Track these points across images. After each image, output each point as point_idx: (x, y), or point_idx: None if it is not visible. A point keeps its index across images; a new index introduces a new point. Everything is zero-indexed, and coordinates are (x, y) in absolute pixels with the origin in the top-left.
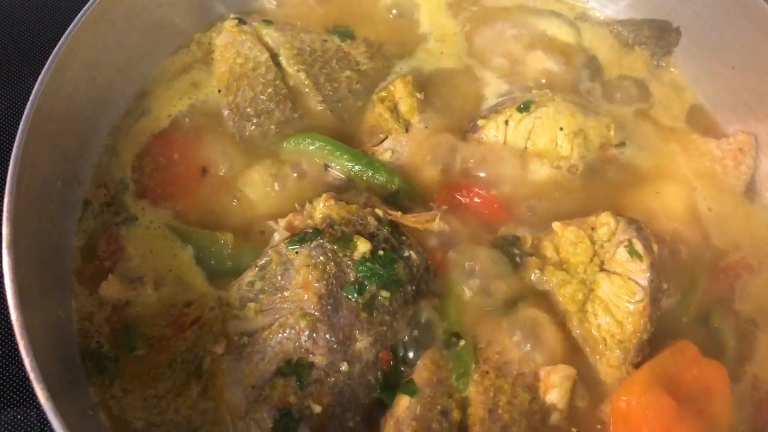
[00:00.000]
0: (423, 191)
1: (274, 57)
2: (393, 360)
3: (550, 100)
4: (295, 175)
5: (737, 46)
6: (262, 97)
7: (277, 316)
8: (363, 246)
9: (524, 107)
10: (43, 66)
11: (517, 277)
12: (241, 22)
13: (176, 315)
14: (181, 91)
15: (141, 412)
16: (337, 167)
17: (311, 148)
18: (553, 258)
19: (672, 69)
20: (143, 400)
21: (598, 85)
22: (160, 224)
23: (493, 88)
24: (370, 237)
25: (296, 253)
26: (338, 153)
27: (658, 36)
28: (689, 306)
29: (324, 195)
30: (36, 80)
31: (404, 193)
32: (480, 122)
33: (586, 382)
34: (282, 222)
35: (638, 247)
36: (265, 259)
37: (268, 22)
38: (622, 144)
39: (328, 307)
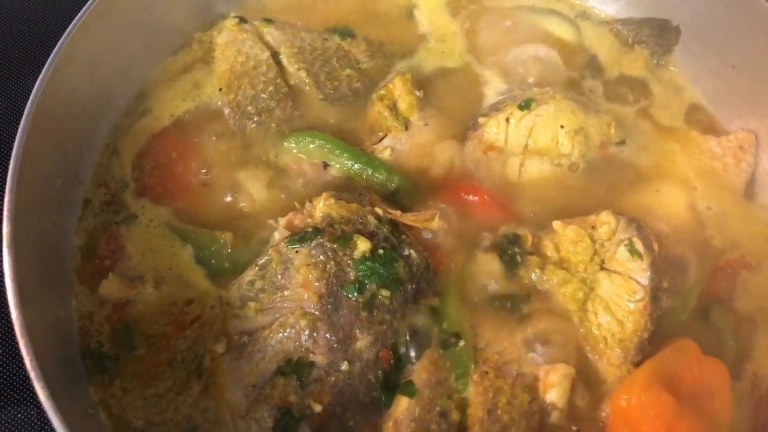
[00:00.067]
0: (423, 189)
1: (274, 55)
2: (393, 359)
3: (551, 98)
4: (295, 173)
5: (737, 45)
6: (262, 95)
7: (277, 315)
8: (363, 245)
9: (525, 105)
10: (44, 65)
11: (517, 277)
12: (242, 20)
13: (176, 314)
14: (182, 90)
15: (141, 411)
16: (337, 165)
17: (311, 146)
18: (554, 257)
19: (672, 68)
20: (143, 399)
21: (598, 84)
22: (160, 223)
23: (494, 86)
24: (370, 236)
25: (296, 252)
26: (338, 151)
27: (658, 35)
28: (689, 304)
29: (324, 194)
30: (36, 79)
31: (404, 192)
32: (481, 120)
33: (587, 381)
34: (282, 221)
35: (639, 246)
36: (265, 258)
37: (268, 21)
38: (622, 142)
39: (329, 306)
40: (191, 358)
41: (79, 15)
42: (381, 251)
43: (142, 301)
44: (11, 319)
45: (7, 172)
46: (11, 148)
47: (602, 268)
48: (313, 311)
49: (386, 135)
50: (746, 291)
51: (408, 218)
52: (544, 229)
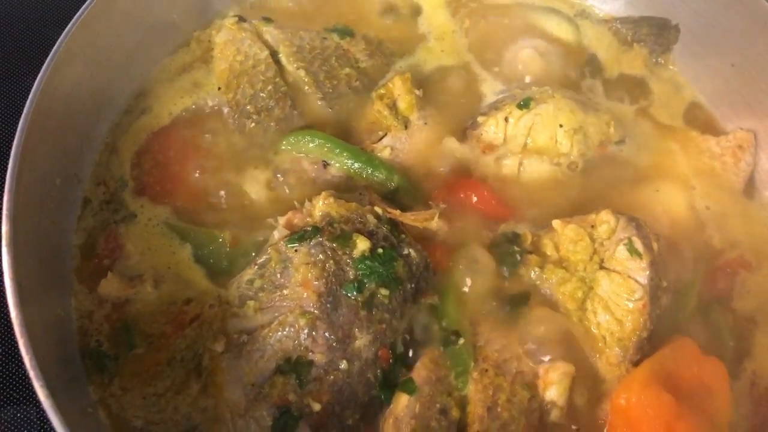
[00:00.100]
0: (422, 189)
1: (273, 54)
2: (392, 358)
3: (549, 97)
4: (294, 172)
5: (736, 44)
6: (261, 94)
7: (276, 314)
8: (362, 244)
9: (524, 104)
10: (43, 64)
11: (516, 276)
12: (241, 19)
13: (176, 313)
14: (181, 89)
15: (140, 410)
16: (337, 164)
17: (311, 145)
18: (553, 256)
19: (671, 66)
20: (143, 398)
21: (597, 83)
22: (159, 222)
23: (493, 85)
24: (370, 235)
25: (295, 251)
26: (338, 150)
27: (657, 33)
28: (688, 303)
29: (323, 193)
30: (35, 78)
31: (403, 191)
32: (480, 119)
33: (586, 380)
34: (281, 220)
35: (638, 245)
36: (264, 257)
37: (267, 20)
38: (621, 141)
39: (328, 305)
40: (190, 357)
41: (78, 14)
42: (380, 250)
43: (141, 300)
44: (11, 319)
45: (6, 170)
46: (10, 147)
47: (601, 267)
48: (312, 310)
49: (386, 134)
50: (745, 290)
51: (407, 217)
52: (543, 228)
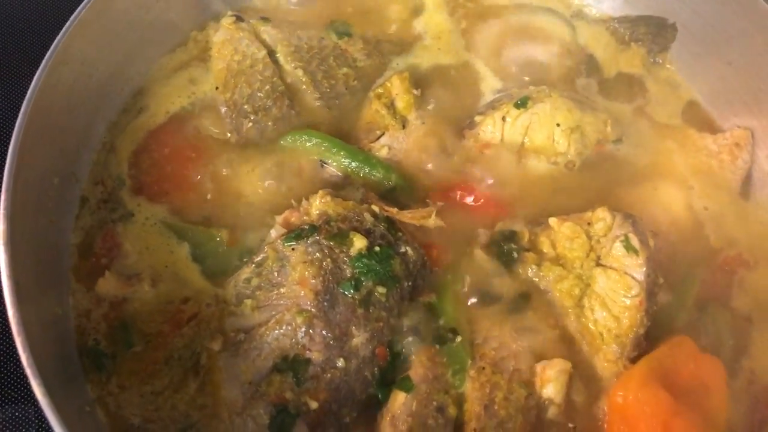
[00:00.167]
0: (419, 187)
1: (271, 54)
2: (389, 356)
3: (547, 96)
4: (291, 171)
5: (733, 42)
6: (259, 94)
7: (273, 313)
8: (359, 242)
9: (521, 103)
10: (41, 63)
11: (514, 273)
12: (239, 19)
13: (173, 311)
14: (179, 88)
15: (138, 408)
16: (334, 164)
17: (308, 144)
18: (550, 253)
19: (668, 65)
20: (140, 396)
21: (595, 82)
22: (156, 221)
23: (490, 85)
24: (367, 233)
25: (292, 249)
26: (335, 149)
27: (655, 33)
28: (686, 301)
29: (320, 191)
30: (33, 77)
31: (401, 190)
32: (477, 118)
33: (583, 378)
34: (278, 218)
35: (634, 241)
36: (261, 255)
37: (265, 20)
38: (618, 140)
39: (325, 304)
40: (188, 355)
41: (75, 13)
42: (377, 248)
43: (138, 299)
44: (8, 317)
45: (3, 169)
46: (8, 146)
47: (598, 264)
48: (309, 308)
49: (383, 133)
50: (743, 288)
51: (404, 216)
52: (540, 226)
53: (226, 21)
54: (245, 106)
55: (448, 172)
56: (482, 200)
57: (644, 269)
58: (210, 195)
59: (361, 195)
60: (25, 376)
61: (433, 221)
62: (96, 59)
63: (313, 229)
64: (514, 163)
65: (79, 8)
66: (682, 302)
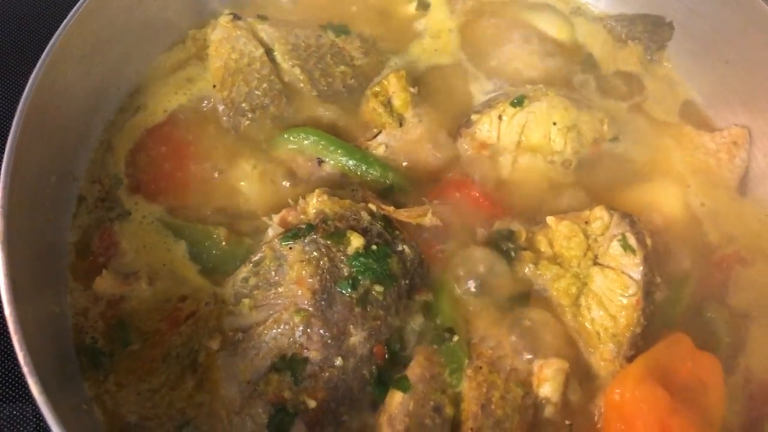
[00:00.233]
0: (416, 186)
1: (269, 52)
2: (387, 354)
3: (543, 95)
4: (289, 170)
5: (730, 40)
6: (257, 92)
7: (271, 312)
8: (356, 241)
9: (518, 102)
10: (38, 61)
11: (511, 272)
12: (236, 17)
13: (171, 310)
14: (177, 86)
15: (135, 406)
16: (331, 162)
17: (305, 142)
18: (547, 252)
19: (665, 63)
20: (137, 393)
21: (592, 80)
22: (154, 219)
23: (487, 83)
24: (364, 232)
25: (290, 248)
26: (332, 148)
27: (652, 31)
28: (683, 299)
29: (317, 190)
30: (30, 76)
31: (398, 188)
32: (473, 117)
33: (580, 376)
34: (275, 217)
35: (631, 240)
36: (259, 254)
37: (262, 18)
38: (615, 139)
39: (322, 303)
40: (186, 353)
41: (73, 11)
42: (374, 247)
43: (136, 298)
44: (4, 316)
45: (0, 168)
46: (5, 144)
47: (595, 263)
48: (306, 307)
49: (380, 131)
50: (740, 286)
51: (401, 214)
52: (537, 225)
53: (224, 19)
54: (243, 104)
55: (445, 171)
56: (479, 199)
57: (641, 268)
58: (207, 193)
59: (358, 194)
60: (22, 375)
61: (429, 220)
62: (93, 58)
63: (310, 228)
64: (511, 162)
65: (76, 6)
66: (678, 300)
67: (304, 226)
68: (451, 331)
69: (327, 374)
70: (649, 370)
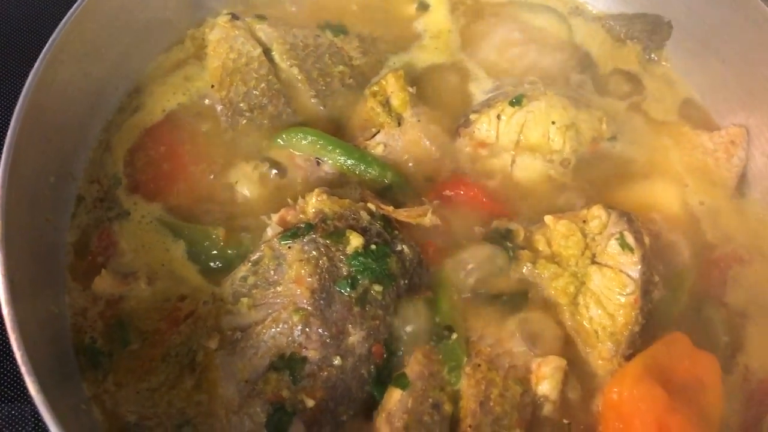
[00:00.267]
0: (415, 185)
1: (267, 52)
2: (386, 354)
3: (542, 94)
4: (287, 169)
5: (729, 39)
6: (255, 92)
7: (270, 311)
8: (355, 240)
9: (516, 101)
10: (36, 61)
11: (509, 271)
12: (234, 17)
13: (170, 309)
14: (175, 86)
15: (134, 405)
16: (330, 161)
17: (304, 142)
18: (545, 251)
19: (664, 63)
20: (136, 393)
21: (590, 79)
22: (152, 219)
23: (486, 83)
24: (363, 231)
25: (289, 248)
26: (331, 147)
27: (650, 30)
28: (681, 298)
29: (316, 190)
30: (28, 75)
31: (397, 188)
32: (472, 117)
33: (578, 375)
34: (274, 217)
35: (629, 239)
36: (257, 254)
37: (261, 18)
38: (613, 138)
39: (321, 302)
40: (185, 353)
41: (71, 10)
42: (373, 246)
43: (135, 297)
44: (2, 315)
45: None
46: (3, 144)
47: (593, 262)
48: (305, 306)
49: (379, 131)
50: (738, 285)
51: (401, 214)
52: (535, 224)
53: (222, 19)
54: (241, 104)
55: (444, 170)
56: (478, 198)
57: (639, 267)
58: (205, 193)
59: (357, 193)
60: (20, 375)
61: (428, 219)
62: (92, 57)
63: (310, 227)
64: (510, 161)
65: (74, 6)
66: (677, 299)
67: (303, 226)
68: (450, 329)
69: (325, 373)
70: (647, 369)
